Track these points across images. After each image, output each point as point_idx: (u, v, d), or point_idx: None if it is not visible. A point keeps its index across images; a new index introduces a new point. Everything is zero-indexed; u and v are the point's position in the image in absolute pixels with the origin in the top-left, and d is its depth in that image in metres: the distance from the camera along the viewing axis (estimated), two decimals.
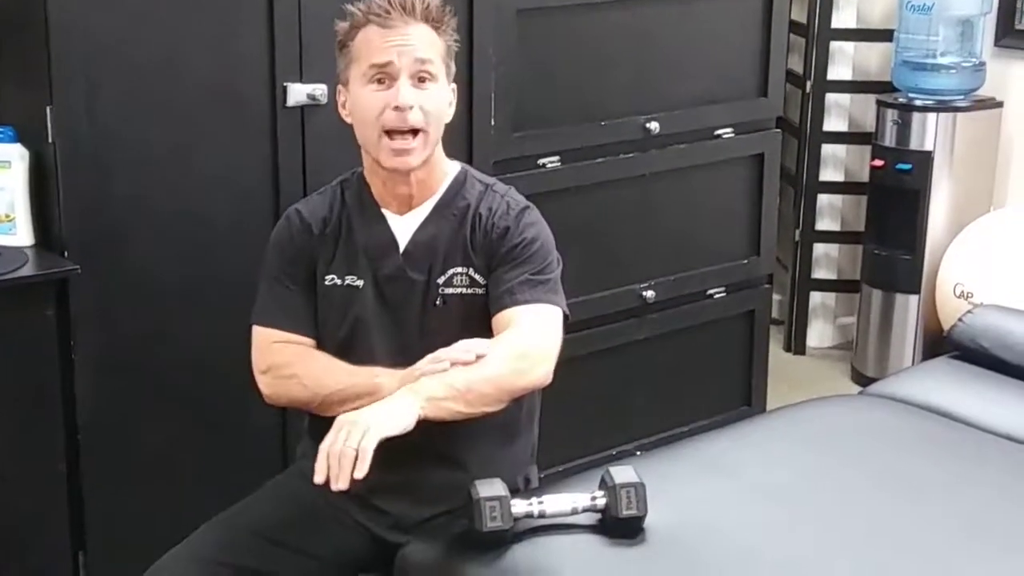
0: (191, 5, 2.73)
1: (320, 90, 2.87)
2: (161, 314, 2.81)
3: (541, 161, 3.34)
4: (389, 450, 2.27)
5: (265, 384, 2.32)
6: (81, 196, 2.67)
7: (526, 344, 2.21)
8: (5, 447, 2.68)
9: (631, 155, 3.53)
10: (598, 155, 3.47)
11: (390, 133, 2.22)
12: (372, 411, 2.05)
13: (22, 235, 2.72)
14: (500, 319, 2.25)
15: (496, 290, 2.27)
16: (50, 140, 2.63)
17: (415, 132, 2.22)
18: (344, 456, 1.98)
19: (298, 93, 2.86)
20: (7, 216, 2.71)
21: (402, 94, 2.20)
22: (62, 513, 2.75)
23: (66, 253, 2.67)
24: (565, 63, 3.37)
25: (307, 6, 2.85)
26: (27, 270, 2.62)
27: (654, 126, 3.52)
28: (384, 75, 2.21)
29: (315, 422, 2.40)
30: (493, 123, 3.19)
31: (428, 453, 2.27)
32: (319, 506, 2.32)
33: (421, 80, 2.22)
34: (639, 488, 2.13)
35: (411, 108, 2.20)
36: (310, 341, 2.32)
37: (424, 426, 2.26)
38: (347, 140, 2.87)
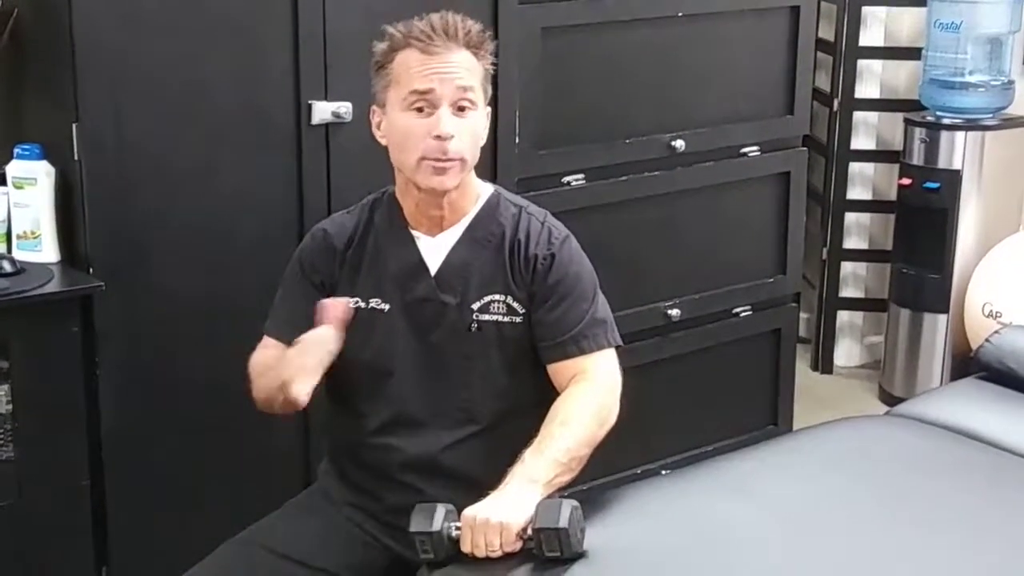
0: (217, 23, 2.75)
1: (345, 108, 2.88)
2: (185, 331, 2.82)
3: (566, 179, 3.34)
4: (412, 471, 2.28)
5: (253, 389, 2.32)
6: (106, 213, 2.69)
7: (603, 397, 2.25)
8: (29, 462, 2.69)
9: (656, 173, 3.53)
10: (623, 173, 3.47)
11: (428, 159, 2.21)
12: (498, 505, 2.06)
13: (47, 252, 2.73)
14: (567, 367, 2.27)
15: (554, 334, 2.27)
16: (76, 157, 2.64)
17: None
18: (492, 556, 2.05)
19: (323, 111, 2.87)
20: (33, 233, 2.72)
21: (443, 124, 2.18)
22: (85, 528, 2.76)
23: (91, 270, 2.69)
24: (590, 81, 3.37)
25: (332, 24, 2.86)
26: (52, 286, 2.64)
27: (679, 144, 3.52)
28: (425, 102, 2.19)
29: (336, 443, 2.41)
30: (517, 141, 3.19)
31: (451, 474, 2.28)
32: (338, 523, 2.33)
33: (461, 109, 2.21)
34: (561, 533, 2.03)
35: (451, 138, 2.19)
36: None
37: (445, 448, 2.27)
38: (372, 158, 2.88)
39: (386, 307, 2.30)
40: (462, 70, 2.21)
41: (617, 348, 2.33)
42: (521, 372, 2.31)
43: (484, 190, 2.36)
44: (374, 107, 2.30)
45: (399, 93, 2.21)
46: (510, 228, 2.31)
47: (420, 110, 2.20)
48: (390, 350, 2.29)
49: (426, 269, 2.30)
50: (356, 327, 2.30)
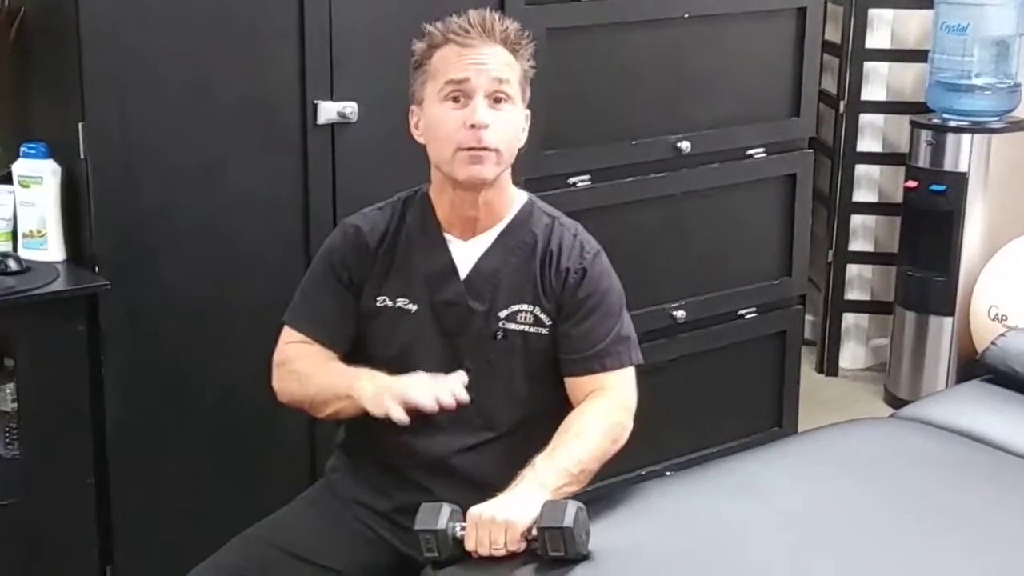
0: (223, 23, 2.75)
1: (350, 108, 2.88)
2: (190, 329, 2.82)
3: (571, 180, 3.34)
4: (424, 471, 2.28)
5: (275, 378, 2.34)
6: (112, 212, 2.69)
7: (618, 415, 2.26)
8: (35, 460, 2.69)
9: (662, 174, 3.53)
10: (629, 174, 3.46)
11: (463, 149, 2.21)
12: (504, 504, 2.06)
13: (53, 250, 2.74)
14: (586, 382, 2.28)
15: (579, 348, 2.27)
16: (82, 156, 2.64)
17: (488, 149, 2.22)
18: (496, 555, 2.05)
19: (328, 111, 2.87)
20: (39, 231, 2.73)
21: (478, 113, 2.18)
22: (90, 527, 2.77)
23: (97, 268, 2.69)
24: (596, 82, 3.37)
25: (338, 24, 2.86)
26: (58, 285, 2.64)
27: (685, 145, 3.52)
28: (460, 92, 2.20)
29: (349, 438, 2.41)
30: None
31: (462, 477, 2.28)
32: (345, 521, 2.33)
33: (497, 100, 2.21)
34: (566, 532, 2.03)
35: (486, 127, 2.19)
36: (331, 353, 2.33)
37: (460, 451, 2.27)
38: (377, 159, 2.89)
39: (413, 308, 2.30)
40: (499, 63, 2.21)
41: (637, 366, 2.34)
42: (542, 382, 2.31)
43: (519, 197, 2.36)
44: (412, 107, 2.30)
45: (436, 86, 2.22)
46: (543, 238, 2.31)
47: (456, 99, 2.20)
48: (414, 351, 2.29)
49: (456, 273, 2.30)
50: (382, 327, 2.31)
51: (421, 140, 2.29)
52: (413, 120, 2.30)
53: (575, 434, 2.19)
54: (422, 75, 2.25)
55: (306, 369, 2.30)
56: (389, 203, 2.38)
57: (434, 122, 2.23)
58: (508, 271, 2.29)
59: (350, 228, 2.36)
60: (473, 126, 2.18)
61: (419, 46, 2.27)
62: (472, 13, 2.24)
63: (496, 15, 2.25)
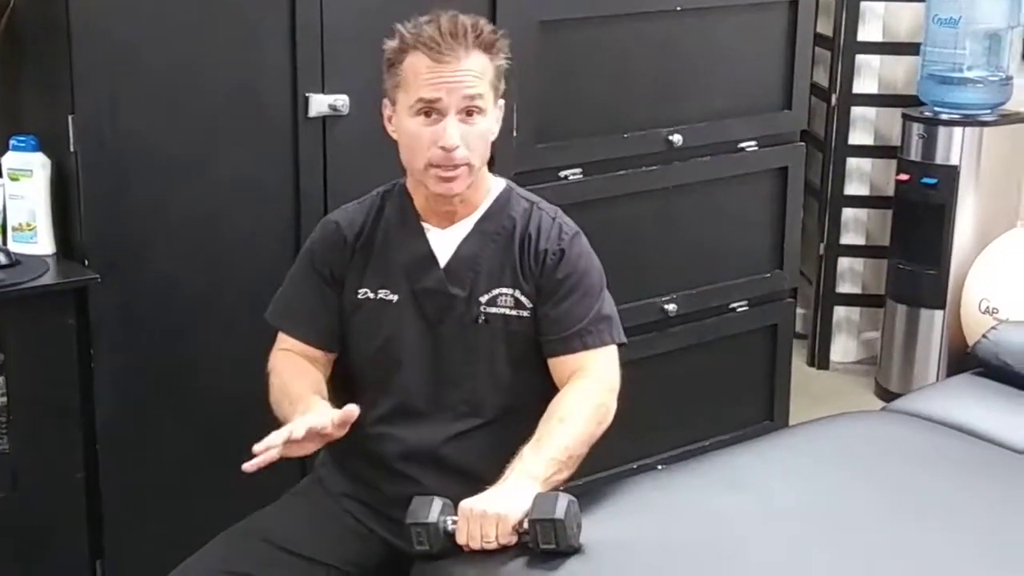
0: (214, 15, 2.74)
1: (342, 101, 2.87)
2: (181, 323, 2.82)
3: (563, 173, 3.34)
4: (412, 462, 2.28)
5: (269, 390, 2.35)
6: (102, 205, 2.68)
7: (602, 396, 2.26)
8: (25, 455, 2.68)
9: (654, 168, 3.52)
10: (621, 167, 3.46)
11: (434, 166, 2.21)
12: (495, 498, 2.07)
13: (43, 243, 2.73)
14: (568, 362, 2.28)
15: (559, 328, 2.28)
16: (72, 149, 2.63)
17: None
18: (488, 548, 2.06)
19: (320, 104, 2.86)
20: (28, 225, 2.72)
21: (449, 134, 2.18)
22: (80, 521, 2.76)
23: (87, 262, 2.68)
24: (588, 75, 3.37)
25: (329, 17, 2.85)
26: (48, 278, 2.63)
27: (677, 139, 3.51)
28: (432, 110, 2.19)
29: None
30: (515, 134, 3.18)
31: (451, 467, 2.28)
32: (335, 515, 2.33)
33: (469, 114, 2.20)
34: (557, 524, 2.04)
35: (457, 148, 2.18)
36: (315, 352, 2.34)
37: (447, 440, 2.27)
38: (369, 151, 2.88)
39: (394, 298, 2.30)
40: (471, 77, 2.19)
41: (621, 346, 2.34)
42: (526, 367, 2.31)
43: (496, 184, 2.36)
44: (385, 100, 2.29)
45: (407, 98, 2.21)
46: (521, 222, 2.32)
47: (427, 114, 2.19)
48: (398, 341, 2.30)
49: (435, 261, 2.30)
50: (365, 318, 2.31)
51: (394, 136, 2.29)
52: (386, 114, 2.30)
53: (559, 419, 2.19)
54: (394, 77, 2.24)
55: (278, 385, 2.31)
56: (369, 197, 2.39)
57: (405, 133, 2.23)
58: (487, 256, 2.30)
59: (330, 224, 2.37)
60: (444, 148, 2.18)
61: (390, 45, 2.24)
62: (443, 20, 2.20)
63: (468, 20, 2.22)
